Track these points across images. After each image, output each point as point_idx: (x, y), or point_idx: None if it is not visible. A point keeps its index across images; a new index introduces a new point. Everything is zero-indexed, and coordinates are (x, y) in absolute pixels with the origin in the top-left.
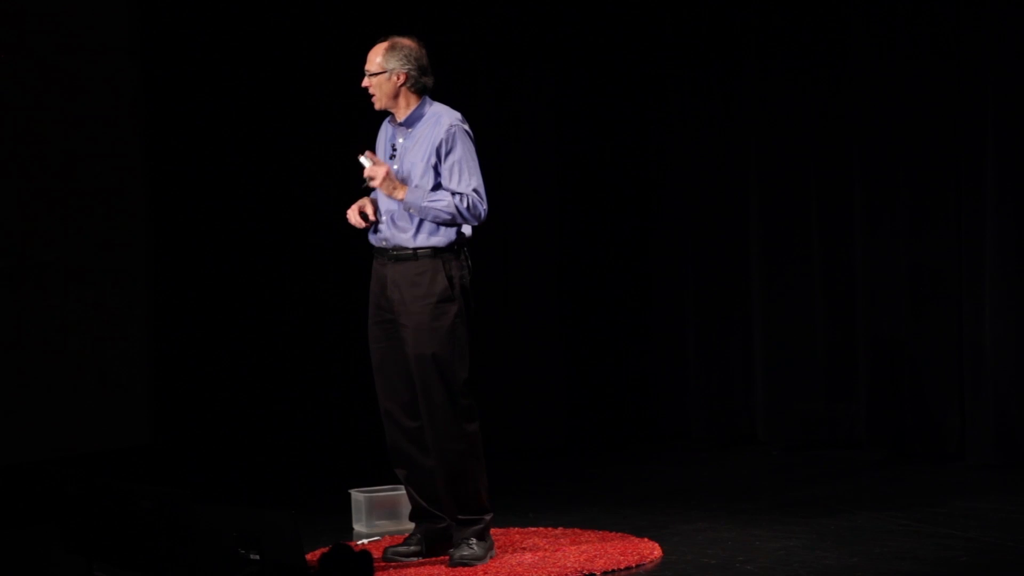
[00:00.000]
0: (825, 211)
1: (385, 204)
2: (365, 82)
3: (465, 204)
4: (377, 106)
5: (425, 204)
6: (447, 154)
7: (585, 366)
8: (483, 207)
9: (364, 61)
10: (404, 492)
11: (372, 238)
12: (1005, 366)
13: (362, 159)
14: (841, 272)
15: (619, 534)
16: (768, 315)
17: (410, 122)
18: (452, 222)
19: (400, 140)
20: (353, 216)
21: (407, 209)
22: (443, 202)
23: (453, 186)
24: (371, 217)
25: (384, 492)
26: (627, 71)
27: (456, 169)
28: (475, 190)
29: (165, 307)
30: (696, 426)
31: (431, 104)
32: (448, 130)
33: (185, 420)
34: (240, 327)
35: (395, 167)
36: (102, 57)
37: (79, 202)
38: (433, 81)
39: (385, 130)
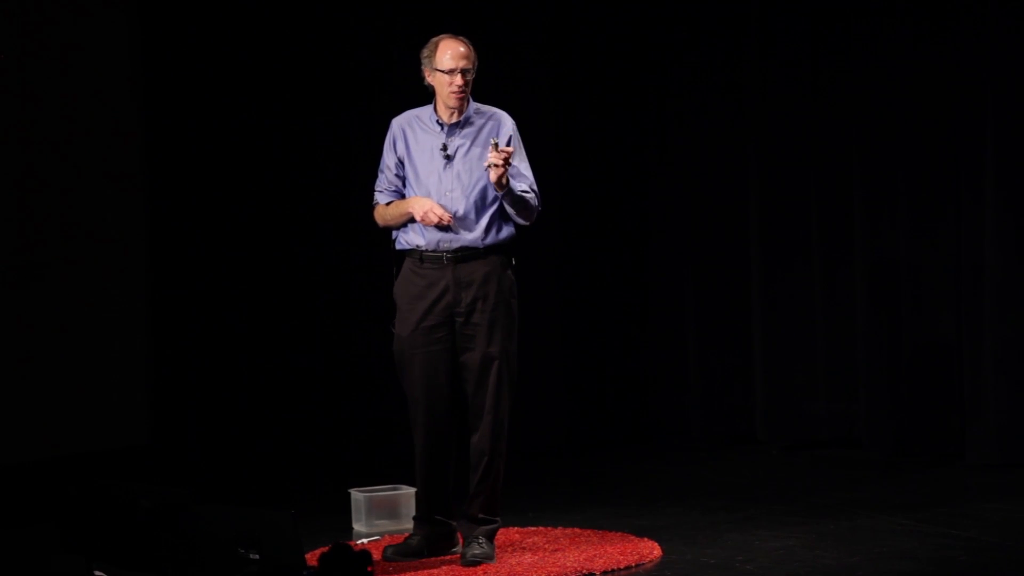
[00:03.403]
0: (825, 210)
1: (450, 206)
2: (463, 80)
3: (536, 200)
4: (458, 102)
5: (518, 194)
6: (515, 152)
7: (585, 366)
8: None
9: (364, 61)
10: (404, 492)
11: (423, 241)
12: (1005, 366)
13: (500, 146)
14: (840, 272)
15: (619, 534)
16: (768, 315)
17: (464, 123)
18: (529, 215)
19: (450, 140)
20: (438, 212)
21: (508, 195)
22: (530, 194)
23: (522, 183)
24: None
25: (384, 492)
26: (627, 72)
27: (523, 167)
28: (536, 187)
29: (165, 307)
30: (696, 426)
31: (474, 103)
32: (514, 128)
33: (185, 420)
34: (240, 327)
35: (452, 168)
36: (102, 56)
37: (79, 202)
38: None
39: (416, 130)
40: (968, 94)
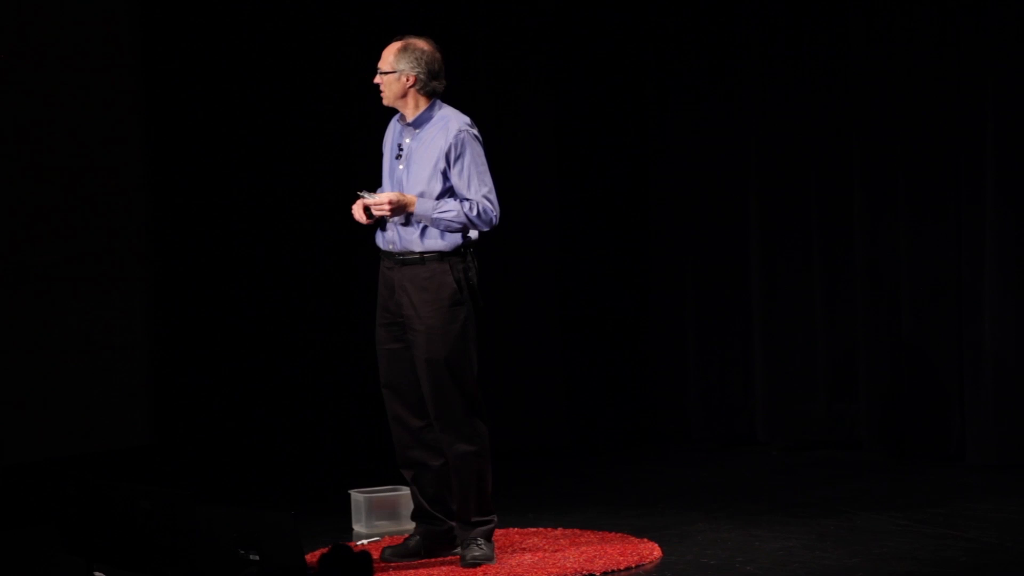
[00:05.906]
0: (825, 211)
1: None
2: (376, 79)
3: (475, 211)
4: (384, 103)
5: (435, 216)
6: (456, 160)
7: (585, 366)
8: (494, 212)
9: (368, 60)
10: (404, 493)
11: (379, 240)
12: (1005, 366)
13: (364, 196)
14: (841, 272)
15: (619, 535)
16: (768, 315)
17: (418, 123)
18: (463, 230)
19: (407, 140)
20: (357, 211)
21: (417, 222)
22: (452, 212)
23: (463, 193)
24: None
25: (384, 493)
26: (626, 72)
27: (466, 176)
28: (485, 196)
29: (165, 308)
30: (696, 426)
31: (440, 107)
32: (456, 136)
33: (185, 420)
34: (240, 327)
35: (400, 167)
36: (103, 59)
37: (79, 204)
38: (444, 85)
39: (393, 127)
40: (969, 93)
